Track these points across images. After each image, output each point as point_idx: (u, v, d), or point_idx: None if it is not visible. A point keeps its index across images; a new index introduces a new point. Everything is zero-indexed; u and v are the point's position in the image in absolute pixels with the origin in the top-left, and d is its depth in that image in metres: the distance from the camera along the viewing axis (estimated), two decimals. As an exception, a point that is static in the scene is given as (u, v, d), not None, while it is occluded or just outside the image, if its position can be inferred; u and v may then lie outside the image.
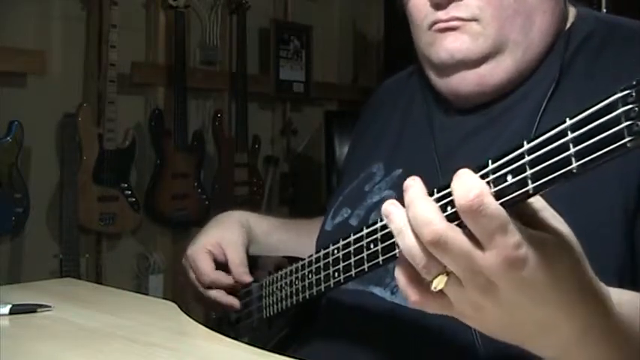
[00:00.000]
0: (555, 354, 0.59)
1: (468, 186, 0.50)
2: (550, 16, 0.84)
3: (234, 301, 1.04)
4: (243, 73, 2.79)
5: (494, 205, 0.50)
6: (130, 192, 2.46)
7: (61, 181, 2.30)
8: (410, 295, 0.57)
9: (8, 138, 2.14)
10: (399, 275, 0.57)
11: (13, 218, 2.16)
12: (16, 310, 0.84)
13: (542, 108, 0.80)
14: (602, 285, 0.58)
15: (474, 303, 0.55)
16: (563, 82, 0.82)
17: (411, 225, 0.54)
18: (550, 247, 0.52)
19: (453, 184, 0.52)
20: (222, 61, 2.85)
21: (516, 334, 0.58)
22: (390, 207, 0.57)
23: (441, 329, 0.76)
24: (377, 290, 0.86)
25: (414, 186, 0.55)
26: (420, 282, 0.56)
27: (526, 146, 0.50)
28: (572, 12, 0.89)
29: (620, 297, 0.61)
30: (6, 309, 0.84)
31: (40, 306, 0.85)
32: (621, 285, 0.66)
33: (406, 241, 0.55)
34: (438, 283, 0.54)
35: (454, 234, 0.52)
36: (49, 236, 2.34)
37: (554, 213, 0.54)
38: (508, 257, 0.51)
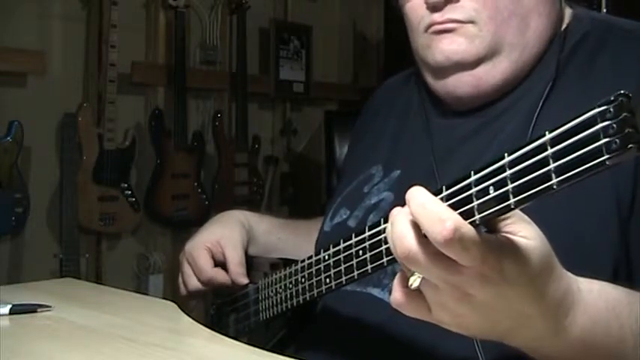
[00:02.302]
0: (534, 344, 0.62)
1: (438, 216, 0.51)
2: (546, 19, 0.85)
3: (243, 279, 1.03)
4: (243, 73, 2.79)
5: (470, 234, 0.51)
6: (130, 192, 2.46)
7: (61, 181, 2.29)
8: (393, 293, 0.59)
9: (8, 138, 2.14)
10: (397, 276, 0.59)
11: (13, 218, 2.16)
12: (16, 310, 0.84)
13: (538, 109, 0.80)
14: (571, 277, 0.60)
15: (450, 310, 0.57)
16: (559, 83, 0.82)
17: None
18: (522, 251, 0.54)
19: (416, 210, 0.52)
20: (222, 61, 2.85)
21: (494, 333, 0.60)
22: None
23: (441, 331, 0.76)
24: (375, 291, 0.86)
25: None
26: (405, 284, 0.58)
27: (507, 159, 0.50)
28: (568, 12, 0.89)
29: (600, 288, 0.64)
30: (6, 309, 0.84)
31: (40, 306, 0.85)
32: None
33: (390, 244, 0.57)
34: (413, 281, 0.56)
35: (425, 254, 0.53)
36: (49, 236, 2.34)
37: (523, 215, 0.55)
38: (484, 275, 0.53)
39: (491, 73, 0.84)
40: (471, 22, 0.83)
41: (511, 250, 0.54)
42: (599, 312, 0.63)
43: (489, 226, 0.54)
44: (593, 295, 0.63)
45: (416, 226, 0.53)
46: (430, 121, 0.94)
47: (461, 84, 0.86)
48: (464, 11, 0.83)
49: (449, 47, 0.84)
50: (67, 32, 2.39)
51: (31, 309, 0.85)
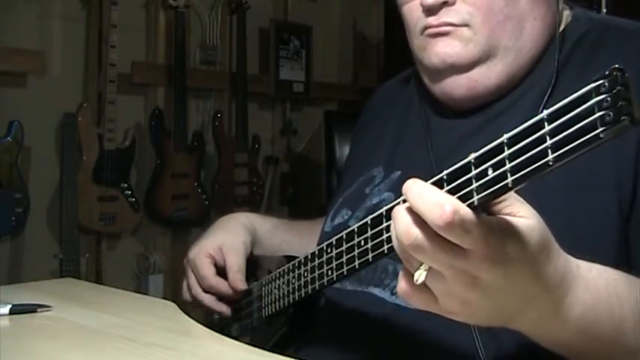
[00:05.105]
0: (538, 327, 0.62)
1: (436, 201, 0.51)
2: (541, 22, 0.85)
3: (224, 308, 1.05)
4: (243, 73, 2.79)
5: (470, 216, 0.51)
6: (130, 192, 2.46)
7: (61, 181, 2.29)
8: (399, 285, 0.59)
9: (8, 138, 2.14)
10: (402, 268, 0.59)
11: (13, 218, 2.16)
12: (16, 310, 0.84)
13: (541, 109, 0.80)
14: (568, 256, 0.61)
15: (459, 298, 0.57)
16: (559, 83, 0.82)
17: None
18: (523, 230, 0.55)
19: (414, 200, 0.53)
20: (222, 61, 2.85)
21: (502, 318, 0.61)
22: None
23: (442, 329, 0.76)
24: (376, 291, 0.86)
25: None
26: (410, 277, 0.58)
27: (505, 137, 0.51)
28: (567, 13, 0.90)
29: (599, 268, 0.65)
30: (6, 309, 0.84)
31: (40, 306, 0.85)
32: None
33: (393, 239, 0.57)
34: (419, 276, 0.56)
35: (431, 240, 0.53)
36: (49, 236, 2.34)
37: (518, 196, 0.56)
38: (489, 257, 0.53)
39: (487, 76, 0.85)
40: (466, 25, 0.84)
41: (513, 230, 0.54)
42: (600, 290, 0.63)
43: (488, 210, 0.55)
44: (593, 274, 0.63)
45: (418, 217, 0.54)
46: (430, 121, 0.94)
47: (456, 86, 0.86)
48: (458, 15, 0.84)
49: (443, 50, 0.85)
50: (67, 32, 2.39)
51: (31, 309, 0.85)
